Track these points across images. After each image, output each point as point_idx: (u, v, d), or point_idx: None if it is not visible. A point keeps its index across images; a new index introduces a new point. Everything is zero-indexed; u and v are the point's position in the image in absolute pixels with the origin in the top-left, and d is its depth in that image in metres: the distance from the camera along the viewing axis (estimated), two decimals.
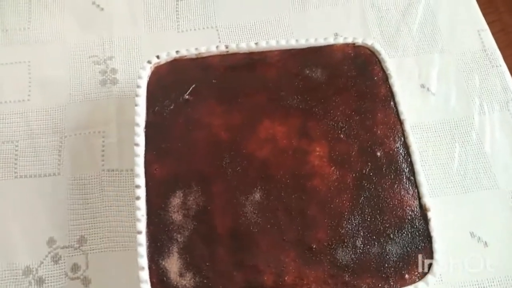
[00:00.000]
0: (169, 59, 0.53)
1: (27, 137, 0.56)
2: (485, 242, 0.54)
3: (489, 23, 0.69)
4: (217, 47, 0.53)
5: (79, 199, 0.53)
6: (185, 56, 0.53)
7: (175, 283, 0.44)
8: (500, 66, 0.64)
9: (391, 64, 0.54)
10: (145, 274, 0.43)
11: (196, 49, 0.53)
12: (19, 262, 0.51)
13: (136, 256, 0.44)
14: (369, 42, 0.55)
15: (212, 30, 0.65)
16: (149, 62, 0.52)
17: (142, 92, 0.51)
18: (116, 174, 0.55)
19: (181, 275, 0.44)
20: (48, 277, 0.50)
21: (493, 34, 0.67)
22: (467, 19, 0.67)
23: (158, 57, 0.52)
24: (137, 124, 0.49)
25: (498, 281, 0.52)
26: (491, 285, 0.52)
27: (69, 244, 0.52)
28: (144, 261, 0.44)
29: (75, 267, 0.51)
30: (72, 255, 0.51)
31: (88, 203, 0.53)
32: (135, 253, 0.44)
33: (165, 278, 0.44)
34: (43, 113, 0.57)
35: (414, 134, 0.51)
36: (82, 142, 0.56)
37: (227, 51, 0.53)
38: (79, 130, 0.57)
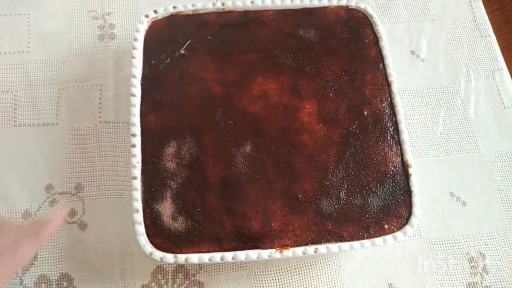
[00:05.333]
0: (166, 14, 0.54)
1: (26, 88, 0.58)
2: (464, 201, 0.56)
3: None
4: (213, 4, 0.55)
5: (76, 149, 0.55)
6: (182, 12, 0.54)
7: (167, 225, 0.46)
8: (489, 36, 0.66)
9: (383, 28, 0.55)
10: (139, 216, 0.46)
11: (193, 5, 0.54)
12: (18, 206, 0.53)
13: (131, 202, 0.46)
14: (362, 5, 0.56)
15: None
16: (146, 16, 0.53)
17: (139, 45, 0.52)
18: (112, 126, 0.56)
19: (173, 218, 0.46)
20: None
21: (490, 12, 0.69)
22: None
23: (155, 11, 0.54)
24: (134, 76, 0.50)
25: (473, 237, 0.55)
26: (467, 241, 0.55)
27: (67, 191, 0.54)
28: (138, 204, 0.46)
29: (72, 212, 0.53)
30: (69, 201, 0.53)
31: (85, 153, 0.55)
32: (130, 201, 0.46)
33: (158, 221, 0.46)
34: (42, 65, 0.59)
35: (402, 98, 0.53)
36: (80, 94, 0.58)
37: (223, 9, 0.55)
38: (77, 82, 0.58)
